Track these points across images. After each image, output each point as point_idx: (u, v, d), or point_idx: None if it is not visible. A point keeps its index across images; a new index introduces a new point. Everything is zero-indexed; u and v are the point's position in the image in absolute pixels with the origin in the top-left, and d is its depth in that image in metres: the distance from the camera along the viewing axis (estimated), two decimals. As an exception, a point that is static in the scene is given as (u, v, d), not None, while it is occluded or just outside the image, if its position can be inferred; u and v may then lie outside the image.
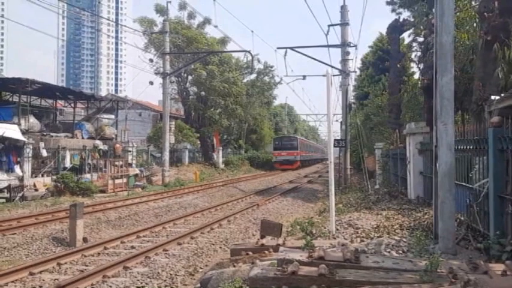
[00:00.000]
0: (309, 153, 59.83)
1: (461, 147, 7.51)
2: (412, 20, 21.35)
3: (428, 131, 11.73)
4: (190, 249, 9.96)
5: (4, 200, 16.78)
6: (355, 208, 12.90)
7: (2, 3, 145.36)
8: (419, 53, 21.08)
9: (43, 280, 7.60)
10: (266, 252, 6.83)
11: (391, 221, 9.64)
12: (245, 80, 44.44)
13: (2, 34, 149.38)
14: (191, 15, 38.20)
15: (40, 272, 7.97)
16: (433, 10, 8.66)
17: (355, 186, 21.39)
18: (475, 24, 13.87)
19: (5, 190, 17.34)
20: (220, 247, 10.54)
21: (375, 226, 9.08)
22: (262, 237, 7.84)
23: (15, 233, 10.95)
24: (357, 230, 8.85)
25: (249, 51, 27.09)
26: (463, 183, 7.60)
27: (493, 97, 8.87)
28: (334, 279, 4.30)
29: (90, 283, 7.30)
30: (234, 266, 6.22)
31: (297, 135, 59.32)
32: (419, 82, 19.02)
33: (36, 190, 18.53)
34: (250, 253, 6.90)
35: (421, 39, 20.29)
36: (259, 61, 40.65)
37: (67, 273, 8.04)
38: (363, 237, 8.12)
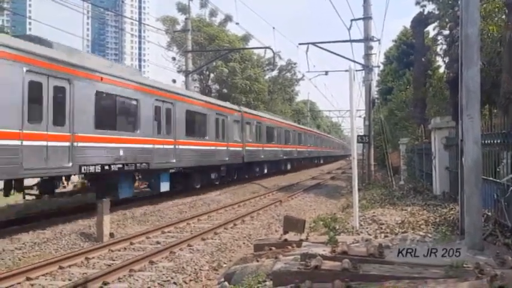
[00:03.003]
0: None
1: (488, 142, 7.36)
2: (437, 12, 20.92)
3: (454, 126, 11.51)
4: (214, 245, 10.05)
5: (34, 197, 17.27)
6: (379, 204, 12.78)
7: (30, 5, 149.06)
8: (444, 46, 20.69)
9: (72, 274, 7.80)
10: (289, 247, 6.84)
11: (416, 216, 9.53)
12: (267, 77, 44.36)
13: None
14: (213, 13, 38.44)
15: (69, 266, 8.18)
16: (458, 2, 8.49)
17: (379, 182, 21.14)
18: (503, 16, 13.53)
19: (35, 187, 17.85)
20: (244, 243, 10.59)
21: (400, 222, 8.99)
22: (285, 233, 7.87)
23: (45, 229, 11.27)
24: (381, 226, 8.78)
25: (270, 48, 27.05)
26: (490, 178, 7.45)
27: (521, 90, 8.65)
28: (357, 273, 4.28)
29: (117, 277, 7.47)
30: (258, 261, 6.26)
31: None
32: (445, 76, 18.65)
33: (64, 187, 19.01)
34: (273, 248, 6.93)
35: (446, 32, 19.88)
36: (280, 57, 40.48)
37: (95, 267, 8.24)
38: (387, 232, 8.06)
